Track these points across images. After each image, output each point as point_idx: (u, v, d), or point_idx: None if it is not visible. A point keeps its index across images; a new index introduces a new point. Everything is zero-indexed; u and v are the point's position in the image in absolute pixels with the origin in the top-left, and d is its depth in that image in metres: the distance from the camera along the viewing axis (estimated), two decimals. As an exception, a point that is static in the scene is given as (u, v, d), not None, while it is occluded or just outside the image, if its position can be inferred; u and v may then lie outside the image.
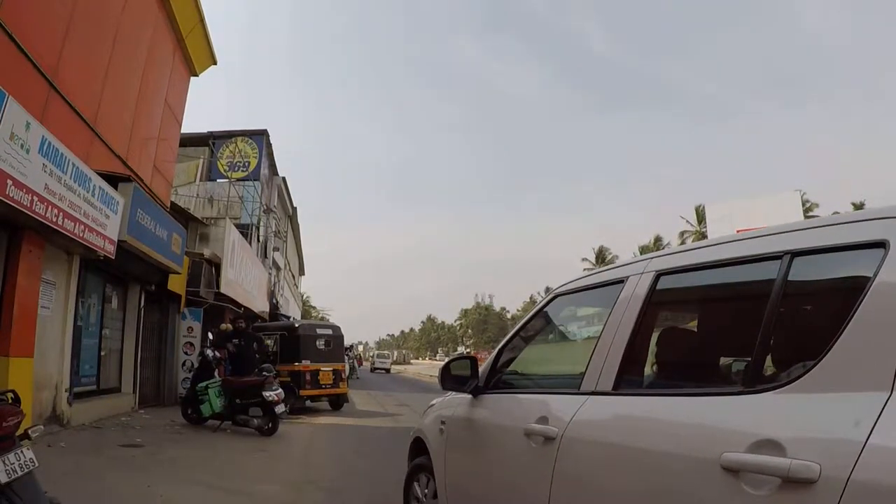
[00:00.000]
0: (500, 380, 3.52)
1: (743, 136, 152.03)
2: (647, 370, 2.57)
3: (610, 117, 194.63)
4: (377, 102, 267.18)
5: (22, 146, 6.65)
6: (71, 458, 7.09)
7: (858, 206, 67.48)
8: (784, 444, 1.55)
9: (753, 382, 1.82)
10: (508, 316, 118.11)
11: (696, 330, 2.68)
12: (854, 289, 1.65)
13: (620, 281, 2.67)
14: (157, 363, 14.53)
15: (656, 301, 2.49)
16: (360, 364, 52.90)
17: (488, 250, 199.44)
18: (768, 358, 1.90)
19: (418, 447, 4.40)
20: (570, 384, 2.74)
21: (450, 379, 3.68)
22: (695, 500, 1.78)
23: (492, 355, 3.67)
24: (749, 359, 1.94)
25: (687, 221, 73.22)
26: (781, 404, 1.67)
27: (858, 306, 1.59)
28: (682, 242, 73.05)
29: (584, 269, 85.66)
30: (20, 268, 7.64)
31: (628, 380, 2.40)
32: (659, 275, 2.47)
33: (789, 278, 1.88)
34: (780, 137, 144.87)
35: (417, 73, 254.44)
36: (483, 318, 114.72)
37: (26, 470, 3.85)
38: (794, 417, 1.62)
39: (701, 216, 68.65)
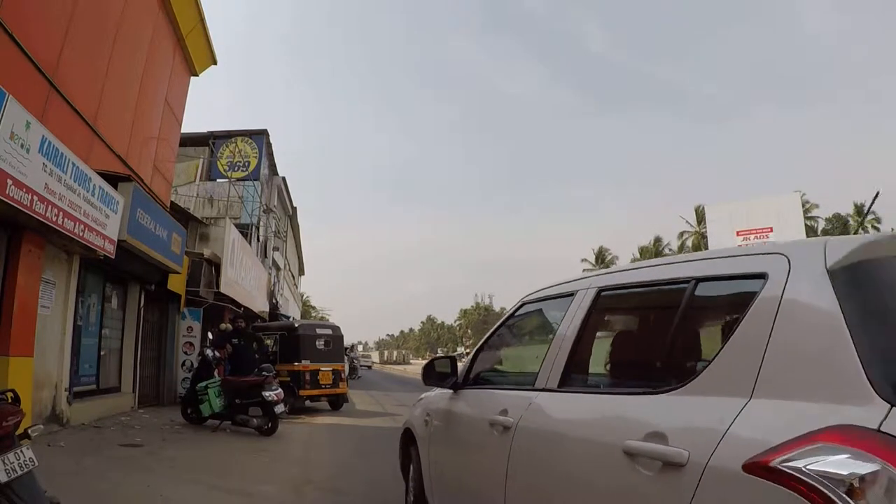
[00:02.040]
0: (477, 377, 3.95)
1: (743, 137, 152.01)
2: (586, 372, 2.97)
3: (609, 118, 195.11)
4: (377, 102, 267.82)
5: (22, 145, 6.65)
6: (71, 457, 7.10)
7: (860, 208, 67.52)
8: (667, 435, 1.93)
9: (656, 385, 2.18)
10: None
11: (622, 339, 3.08)
12: (737, 312, 1.98)
13: (571, 294, 3.09)
14: (157, 363, 14.53)
15: (597, 313, 2.91)
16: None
17: (488, 250, 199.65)
18: (669, 365, 2.31)
19: (407, 437, 4.89)
20: (528, 382, 3.14)
21: (433, 376, 4.15)
22: (604, 478, 2.18)
23: (470, 354, 4.16)
24: (657, 365, 2.40)
25: (687, 222, 73.24)
26: (672, 403, 2.04)
27: (736, 328, 1.94)
28: (682, 243, 73.33)
29: (584, 270, 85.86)
30: (20, 267, 7.65)
31: (571, 379, 2.80)
32: (600, 291, 2.89)
33: (693, 300, 2.26)
34: (780, 138, 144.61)
35: (417, 73, 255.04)
36: (483, 319, 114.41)
37: (26, 469, 3.86)
38: (678, 414, 1.99)
39: (700, 217, 68.64)
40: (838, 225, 69.56)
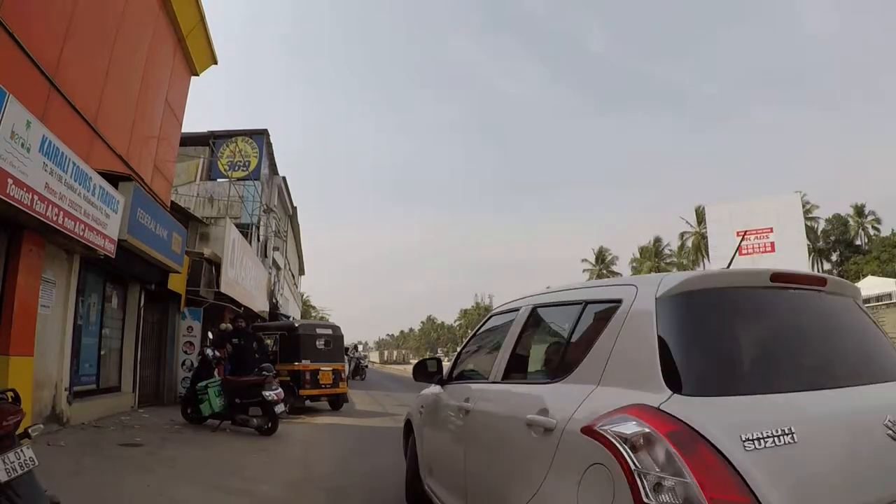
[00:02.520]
0: (459, 374, 4.86)
1: (744, 137, 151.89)
2: (519, 368, 3.81)
3: (609, 118, 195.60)
4: (377, 102, 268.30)
5: (22, 145, 6.64)
6: (71, 457, 7.09)
7: (859, 209, 67.56)
8: (549, 410, 2.83)
9: (553, 377, 3.12)
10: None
11: (541, 343, 3.87)
12: (602, 327, 2.82)
13: (517, 309, 4.05)
14: (157, 362, 14.53)
15: (531, 324, 3.82)
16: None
17: (488, 250, 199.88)
18: (562, 363, 3.14)
19: (408, 427, 5.97)
20: (485, 376, 4.10)
21: (423, 374, 5.28)
22: (515, 441, 3.10)
23: (455, 355, 5.22)
24: (556, 363, 3.27)
25: (687, 222, 73.51)
26: (557, 389, 2.96)
27: (599, 337, 2.80)
28: (682, 243, 73.53)
29: (584, 270, 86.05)
30: (20, 266, 7.65)
31: (509, 374, 3.75)
32: (534, 308, 3.84)
33: (582, 317, 3.15)
34: (780, 138, 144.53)
35: (417, 72, 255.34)
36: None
37: (26, 469, 3.86)
38: (557, 396, 2.87)
39: (701, 217, 68.89)
40: (838, 225, 69.54)
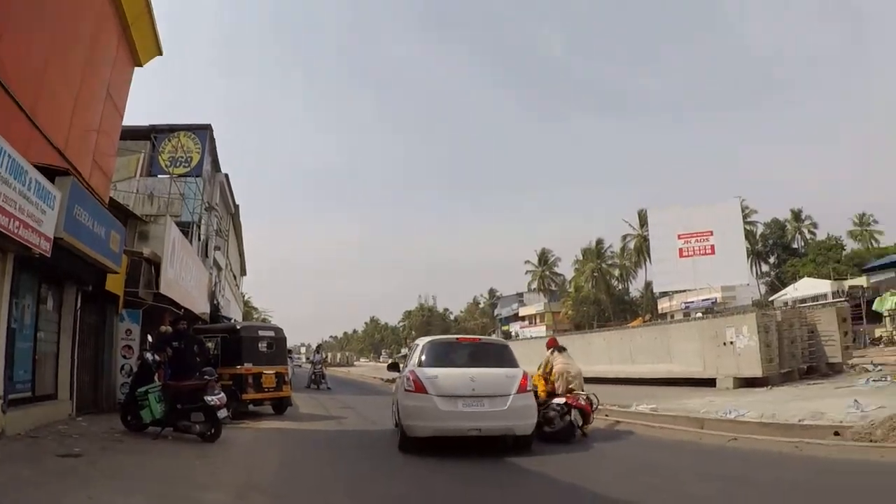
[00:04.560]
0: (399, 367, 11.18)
1: (691, 142, 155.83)
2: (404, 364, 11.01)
3: (556, 122, 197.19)
4: (318, 102, 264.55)
5: (-47, 136, 6.24)
6: (6, 469, 6.74)
7: (797, 214, 71.06)
8: (404, 369, 10.44)
9: (406, 366, 10.37)
10: (452, 317, 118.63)
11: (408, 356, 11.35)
12: (413, 350, 10.93)
13: (418, 344, 10.33)
14: (95, 368, 13.90)
15: (424, 351, 9.81)
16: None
17: (432, 252, 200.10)
18: (408, 361, 10.62)
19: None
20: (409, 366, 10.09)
21: (393, 367, 11.60)
22: (400, 382, 10.09)
23: (410, 358, 10.56)
24: (409, 361, 10.65)
25: (630, 225, 75.63)
26: (408, 367, 10.04)
27: (412, 352, 10.99)
28: (624, 245, 75.75)
29: (527, 272, 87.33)
30: (-49, 267, 7.18)
31: (427, 362, 9.66)
32: (428, 342, 10.14)
33: (411, 348, 11.96)
34: (721, 144, 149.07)
35: (358, 73, 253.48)
36: (426, 320, 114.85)
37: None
38: (407, 366, 10.31)
39: (643, 220, 70.80)
40: (776, 229, 72.68)
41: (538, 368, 11.44)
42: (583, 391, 10.86)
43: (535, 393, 10.37)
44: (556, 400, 10.54)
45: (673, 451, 9.43)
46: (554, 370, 11.05)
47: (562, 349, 11.67)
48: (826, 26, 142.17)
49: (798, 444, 8.66)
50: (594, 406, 10.80)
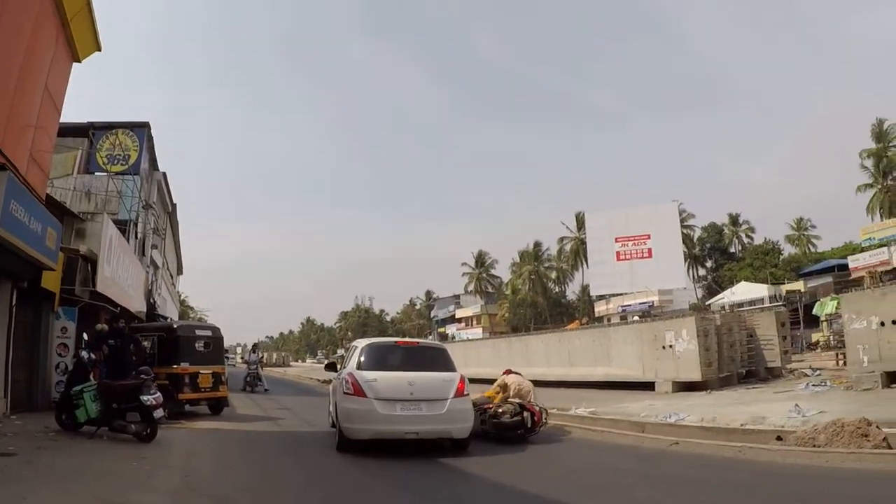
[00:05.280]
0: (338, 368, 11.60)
1: (630, 146, 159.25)
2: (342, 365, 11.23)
3: (496, 124, 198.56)
4: (248, 101, 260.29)
5: None
6: (-65, 468, 6.65)
7: (734, 218, 72.79)
8: (342, 371, 10.53)
9: (346, 367, 10.45)
10: (388, 318, 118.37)
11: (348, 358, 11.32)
12: (352, 352, 10.91)
13: (357, 346, 10.60)
14: (30, 365, 13.60)
15: (363, 353, 10.05)
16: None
17: (368, 252, 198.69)
18: (347, 364, 10.71)
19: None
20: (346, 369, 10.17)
21: (330, 367, 13.26)
22: (338, 384, 10.31)
23: (347, 359, 10.86)
24: (346, 363, 10.95)
25: (567, 228, 76.64)
26: (345, 370, 10.23)
27: (350, 355, 10.95)
28: (561, 247, 76.61)
29: (463, 274, 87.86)
30: None
31: (366, 364, 9.74)
32: (366, 345, 10.36)
33: (349, 350, 11.71)
34: (661, 148, 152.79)
35: (294, 72, 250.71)
36: (363, 321, 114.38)
37: None
38: (345, 368, 10.38)
39: (581, 223, 71.89)
40: (714, 233, 74.23)
41: (493, 387, 11.77)
42: (536, 405, 11.12)
43: (488, 398, 11.30)
44: (512, 399, 10.88)
45: (615, 454, 9.48)
46: (509, 384, 11.43)
47: (517, 373, 12.07)
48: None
49: (741, 449, 8.61)
50: (544, 419, 10.98)
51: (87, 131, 23.11)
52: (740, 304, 46.08)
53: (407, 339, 13.56)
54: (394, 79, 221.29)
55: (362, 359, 9.81)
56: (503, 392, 11.30)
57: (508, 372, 12.20)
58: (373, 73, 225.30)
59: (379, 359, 9.90)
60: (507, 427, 10.30)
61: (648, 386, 17.80)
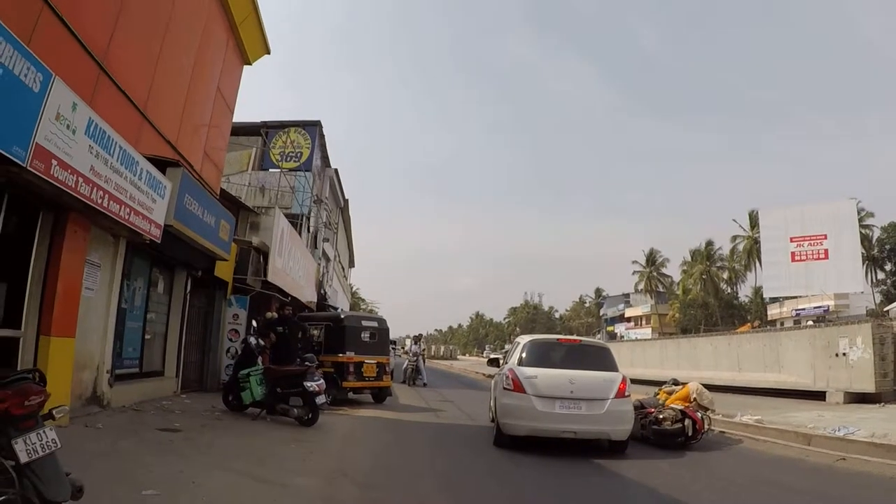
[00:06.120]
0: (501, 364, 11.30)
1: (799, 144, 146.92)
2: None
3: (662, 121, 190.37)
4: (424, 100, 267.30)
5: (68, 126, 6.64)
6: (107, 439, 7.12)
7: None
8: (503, 365, 10.85)
9: (507, 364, 10.40)
10: (557, 315, 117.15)
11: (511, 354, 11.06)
12: (515, 347, 10.86)
13: (519, 342, 10.38)
14: (202, 349, 14.68)
15: (525, 350, 9.81)
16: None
17: (537, 249, 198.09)
18: (508, 359, 10.83)
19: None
20: (507, 365, 10.11)
21: (493, 362, 12.54)
22: (499, 378, 10.40)
23: (511, 356, 10.51)
24: (507, 359, 11.00)
25: (740, 226, 71.34)
26: (506, 365, 10.31)
27: (513, 350, 11.00)
28: (734, 247, 71.74)
29: (633, 272, 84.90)
30: (64, 248, 7.67)
31: (527, 361, 9.49)
32: (528, 342, 10.09)
33: (513, 344, 11.86)
34: (839, 146, 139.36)
35: (463, 69, 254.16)
36: (531, 318, 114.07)
37: (48, 451, 3.78)
38: (506, 364, 10.54)
39: (754, 222, 66.73)
40: (894, 234, 66.33)
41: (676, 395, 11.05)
42: (714, 412, 10.69)
43: (654, 396, 11.09)
44: (674, 405, 10.22)
45: (777, 467, 8.76)
46: (689, 385, 10.89)
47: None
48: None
49: (914, 470, 7.74)
50: (706, 426, 10.20)
51: (261, 130, 24.65)
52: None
53: (570, 337, 13.66)
54: (558, 77, 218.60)
55: (524, 355, 9.57)
56: (685, 402, 10.51)
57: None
58: (537, 72, 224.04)
59: (540, 355, 9.61)
60: (668, 434, 9.71)
61: (818, 395, 16.16)
